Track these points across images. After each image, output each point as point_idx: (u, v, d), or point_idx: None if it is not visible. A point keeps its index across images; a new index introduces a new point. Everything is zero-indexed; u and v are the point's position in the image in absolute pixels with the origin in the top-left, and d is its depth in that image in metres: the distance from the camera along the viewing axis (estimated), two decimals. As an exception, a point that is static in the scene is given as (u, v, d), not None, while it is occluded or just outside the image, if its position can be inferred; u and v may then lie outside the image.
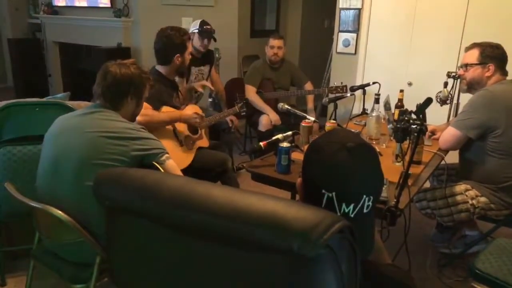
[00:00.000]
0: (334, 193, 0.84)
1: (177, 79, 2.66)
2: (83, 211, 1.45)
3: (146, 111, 2.19)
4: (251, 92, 3.48)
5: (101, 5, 4.64)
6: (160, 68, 2.42)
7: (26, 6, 6.33)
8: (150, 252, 0.92)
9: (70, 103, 2.08)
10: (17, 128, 1.94)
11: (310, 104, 3.54)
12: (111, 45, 4.51)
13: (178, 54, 2.37)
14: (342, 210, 0.85)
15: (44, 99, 2.17)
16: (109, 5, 4.51)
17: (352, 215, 0.85)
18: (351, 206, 0.85)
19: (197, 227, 0.80)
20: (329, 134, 0.96)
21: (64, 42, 5.48)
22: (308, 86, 3.60)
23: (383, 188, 1.56)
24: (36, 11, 5.90)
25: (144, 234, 0.92)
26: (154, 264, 0.92)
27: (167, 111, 2.33)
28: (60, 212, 1.40)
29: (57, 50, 5.66)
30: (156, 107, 2.27)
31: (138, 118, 2.08)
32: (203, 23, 3.13)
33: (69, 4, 5.07)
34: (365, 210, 0.86)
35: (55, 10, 5.35)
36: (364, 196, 0.85)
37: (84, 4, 4.86)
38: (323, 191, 0.85)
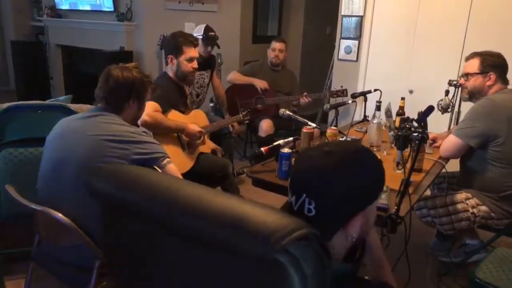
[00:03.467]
0: (290, 179, 0.91)
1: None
2: (83, 215, 1.45)
3: (155, 113, 2.21)
4: (233, 73, 3.60)
5: (104, 9, 4.66)
6: (167, 71, 2.47)
7: (30, 9, 6.36)
8: (137, 244, 0.94)
9: (72, 106, 2.08)
10: (19, 130, 1.94)
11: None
12: (114, 48, 4.53)
13: (171, 56, 2.40)
14: (289, 199, 0.89)
15: (47, 102, 2.18)
16: (112, 9, 4.54)
17: (295, 208, 0.86)
18: (293, 198, 0.87)
19: (168, 223, 0.82)
20: (339, 141, 1.00)
21: (67, 45, 5.50)
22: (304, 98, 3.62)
23: (384, 196, 1.57)
24: (39, 14, 5.93)
25: (130, 228, 0.95)
26: (139, 257, 0.95)
27: (174, 120, 2.34)
28: (60, 215, 1.39)
29: (59, 53, 5.68)
30: (164, 109, 2.28)
31: (146, 118, 2.10)
32: (207, 29, 3.14)
33: (72, 8, 5.09)
34: (306, 212, 0.84)
35: (58, 14, 5.37)
36: (304, 195, 0.84)
37: (88, 8, 4.89)
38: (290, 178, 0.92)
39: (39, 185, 1.59)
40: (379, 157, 0.95)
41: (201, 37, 3.11)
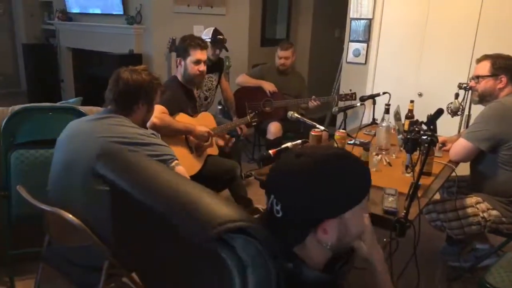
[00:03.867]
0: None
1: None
2: (92, 215, 1.46)
3: (164, 115, 2.23)
4: (241, 76, 3.61)
5: (114, 12, 4.70)
6: (177, 74, 2.49)
7: (41, 13, 6.45)
8: (132, 223, 1.01)
9: (82, 108, 2.10)
10: (30, 132, 1.96)
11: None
12: (123, 51, 4.56)
13: (179, 58, 2.44)
14: (265, 199, 0.89)
15: (57, 104, 2.20)
16: (122, 12, 4.58)
17: (268, 207, 0.87)
18: (266, 198, 0.88)
19: (143, 203, 0.85)
20: (318, 146, 1.01)
21: (77, 48, 5.56)
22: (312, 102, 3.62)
23: (392, 199, 1.56)
24: (50, 18, 6.01)
25: (125, 208, 1.01)
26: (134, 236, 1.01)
27: (183, 122, 2.36)
28: (70, 215, 1.41)
29: (70, 56, 5.75)
30: (172, 112, 2.30)
31: (155, 120, 2.11)
32: (215, 33, 3.15)
33: (83, 11, 5.15)
34: (275, 213, 0.84)
35: (69, 17, 5.44)
36: (272, 196, 0.85)
37: (98, 11, 4.94)
38: None
39: (50, 186, 1.61)
40: (364, 163, 0.96)
41: (209, 40, 3.12)
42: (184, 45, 2.44)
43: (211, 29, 3.19)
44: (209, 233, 0.66)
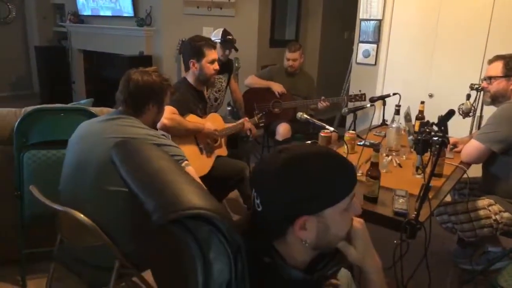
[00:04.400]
0: None
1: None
2: (103, 216, 1.47)
3: (174, 116, 2.24)
4: (252, 77, 3.61)
5: (124, 14, 4.75)
6: (187, 76, 2.49)
7: (53, 15, 6.54)
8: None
9: (93, 109, 2.12)
10: (42, 133, 1.99)
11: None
12: (133, 53, 4.61)
13: (192, 60, 2.42)
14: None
15: (69, 105, 2.23)
16: (132, 15, 4.62)
17: (253, 203, 0.88)
18: (250, 192, 0.90)
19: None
20: (300, 143, 1.03)
21: (88, 50, 5.63)
22: (321, 102, 3.61)
23: (402, 201, 1.54)
24: (62, 20, 6.09)
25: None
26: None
27: (193, 122, 2.37)
28: (82, 215, 1.42)
29: (81, 58, 5.82)
30: (182, 113, 2.31)
31: (165, 121, 2.13)
32: (225, 33, 3.16)
33: (94, 14, 5.21)
34: (257, 208, 0.87)
35: (81, 19, 5.51)
36: (253, 190, 0.88)
37: (109, 13, 4.99)
38: None
39: (61, 186, 1.63)
40: (349, 161, 0.93)
41: (219, 40, 3.13)
42: (198, 46, 2.42)
43: (220, 30, 3.20)
44: (168, 216, 0.68)
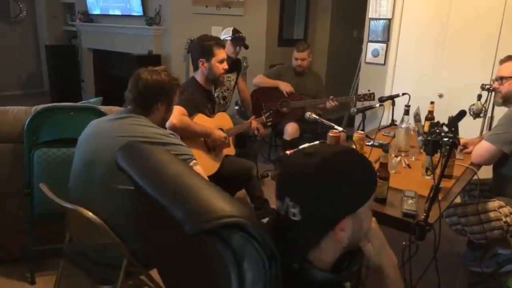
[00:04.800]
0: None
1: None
2: (111, 214, 1.48)
3: (183, 118, 2.25)
4: (260, 77, 3.60)
5: (134, 14, 4.77)
6: (196, 75, 2.49)
7: (64, 14, 6.60)
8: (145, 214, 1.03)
9: (103, 108, 2.13)
10: (52, 131, 2.01)
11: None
12: (142, 52, 4.63)
13: (202, 60, 2.42)
14: (276, 203, 0.87)
15: (78, 104, 2.24)
16: (141, 14, 4.64)
17: (282, 212, 0.85)
18: (279, 203, 0.86)
19: (150, 195, 0.86)
20: (331, 145, 0.99)
21: (98, 49, 5.66)
22: (330, 102, 3.59)
23: (411, 202, 1.53)
24: (72, 19, 6.14)
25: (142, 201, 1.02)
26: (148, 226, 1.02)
27: (201, 125, 2.37)
28: (90, 213, 1.43)
29: (90, 57, 5.86)
30: (190, 112, 2.31)
31: (174, 121, 2.13)
32: (235, 31, 3.18)
33: (104, 13, 5.24)
34: (291, 216, 0.83)
35: (90, 18, 5.54)
36: (287, 199, 0.83)
37: (118, 12, 5.02)
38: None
39: (71, 184, 1.64)
40: (370, 159, 0.93)
41: (229, 38, 3.14)
42: (207, 46, 2.41)
43: (230, 28, 3.21)
44: (203, 226, 0.66)
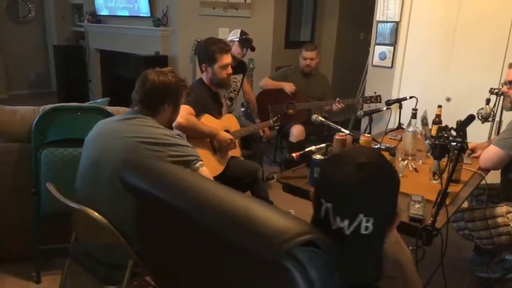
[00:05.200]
0: (330, 205, 0.82)
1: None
2: (117, 215, 1.49)
3: (190, 117, 2.25)
4: (265, 80, 3.61)
5: (141, 15, 4.80)
6: (203, 77, 2.50)
7: (72, 15, 6.65)
8: (163, 236, 0.99)
9: (109, 109, 2.14)
10: (60, 131, 2.02)
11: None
12: (149, 53, 4.65)
13: (204, 64, 2.43)
14: (336, 224, 0.81)
15: (85, 104, 2.26)
16: (148, 15, 4.66)
17: (347, 232, 0.81)
18: (346, 222, 0.81)
19: (188, 215, 0.84)
20: (353, 148, 0.97)
21: (105, 50, 5.70)
22: (337, 104, 3.59)
23: (418, 206, 1.52)
24: (81, 20, 6.18)
25: (159, 218, 0.98)
26: (169, 245, 0.98)
27: (208, 125, 2.38)
28: (96, 214, 1.44)
29: (98, 57, 5.90)
30: (197, 113, 2.32)
31: (181, 120, 2.13)
32: (243, 33, 3.22)
33: (111, 13, 5.27)
34: (363, 231, 0.80)
35: (98, 19, 5.58)
36: (361, 215, 0.80)
37: (126, 13, 5.05)
38: (322, 200, 0.83)
39: (77, 184, 1.65)
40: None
41: (237, 39, 3.16)
42: (210, 51, 2.41)
43: (238, 30, 3.23)
44: (280, 248, 0.64)
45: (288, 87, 3.49)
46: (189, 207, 0.82)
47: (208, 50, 2.42)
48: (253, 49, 3.25)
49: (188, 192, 0.85)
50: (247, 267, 0.75)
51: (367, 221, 0.80)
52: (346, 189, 0.82)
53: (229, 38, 3.23)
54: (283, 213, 0.73)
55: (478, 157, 2.10)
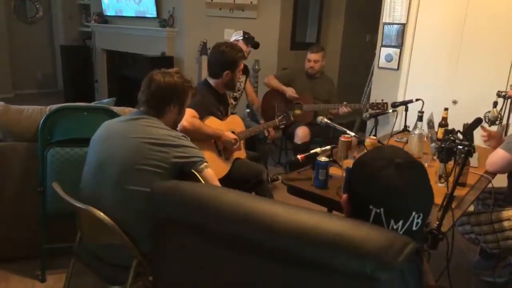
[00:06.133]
0: (382, 209, 0.84)
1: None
2: (123, 215, 1.49)
3: (194, 120, 2.26)
4: (270, 78, 3.62)
5: (147, 15, 4.81)
6: (210, 80, 2.50)
7: (79, 15, 6.69)
8: (199, 266, 0.90)
9: (115, 109, 2.15)
10: (66, 131, 2.03)
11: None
12: (155, 54, 4.66)
13: (228, 71, 2.43)
14: (390, 227, 0.84)
15: (92, 104, 2.27)
16: (155, 15, 4.68)
17: (401, 232, 0.84)
18: (400, 223, 0.84)
19: (259, 245, 0.78)
20: (377, 150, 0.99)
21: (112, 50, 5.72)
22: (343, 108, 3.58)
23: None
24: (87, 20, 6.22)
25: (197, 250, 0.90)
26: (202, 278, 0.89)
27: (212, 127, 2.38)
28: (102, 214, 1.44)
29: (104, 57, 5.92)
30: (202, 115, 2.33)
31: (185, 124, 2.14)
32: (245, 32, 3.29)
33: (118, 14, 5.30)
34: (414, 228, 0.85)
35: (105, 20, 5.61)
36: (414, 213, 0.84)
37: (132, 14, 5.07)
38: (371, 206, 0.84)
39: (83, 184, 1.65)
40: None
41: (241, 38, 3.25)
42: (235, 58, 2.45)
43: (240, 31, 3.31)
44: (393, 264, 0.64)
45: (290, 92, 3.47)
46: (263, 236, 0.77)
47: (235, 56, 2.46)
48: (256, 46, 3.28)
49: (261, 220, 0.78)
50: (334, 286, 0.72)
51: (418, 217, 0.85)
52: (396, 191, 0.85)
53: (233, 39, 3.27)
54: (368, 225, 0.73)
55: (488, 139, 2.10)
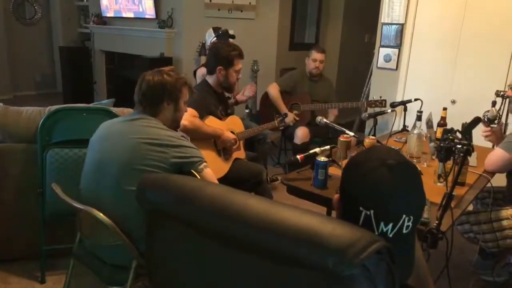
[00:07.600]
0: (372, 211, 0.82)
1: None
2: (122, 215, 1.49)
3: (194, 119, 2.26)
4: (273, 88, 3.58)
5: (146, 16, 4.81)
6: (208, 79, 2.51)
7: (78, 17, 6.69)
8: (187, 257, 0.93)
9: (114, 110, 2.15)
10: (65, 132, 2.03)
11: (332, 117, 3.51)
12: (154, 54, 4.66)
13: (220, 67, 2.43)
14: (380, 229, 0.82)
15: (91, 105, 2.27)
16: (154, 16, 4.68)
17: (390, 235, 0.82)
18: (390, 226, 0.82)
19: (233, 237, 0.81)
20: (370, 150, 0.96)
21: (110, 51, 5.72)
22: (334, 112, 3.57)
23: (424, 209, 1.51)
24: (86, 21, 6.22)
25: (182, 240, 0.93)
26: (189, 269, 0.93)
27: (212, 126, 2.38)
28: (101, 214, 1.44)
29: (103, 59, 5.92)
30: (201, 114, 2.33)
31: (186, 123, 2.14)
32: (214, 30, 3.35)
33: (117, 15, 5.30)
34: (404, 231, 0.82)
35: (104, 21, 5.61)
36: (404, 216, 0.82)
37: (131, 15, 5.07)
38: (361, 208, 0.82)
39: (82, 185, 1.65)
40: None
41: (215, 38, 3.32)
42: (230, 55, 2.45)
43: (210, 30, 3.38)
44: (354, 260, 0.64)
45: (292, 118, 3.41)
46: (235, 227, 0.79)
47: (230, 54, 2.46)
48: (232, 37, 3.32)
49: (235, 212, 0.81)
50: (309, 284, 0.72)
51: (408, 220, 0.82)
52: (387, 193, 0.82)
53: (209, 41, 3.31)
54: (339, 222, 0.72)
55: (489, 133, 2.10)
